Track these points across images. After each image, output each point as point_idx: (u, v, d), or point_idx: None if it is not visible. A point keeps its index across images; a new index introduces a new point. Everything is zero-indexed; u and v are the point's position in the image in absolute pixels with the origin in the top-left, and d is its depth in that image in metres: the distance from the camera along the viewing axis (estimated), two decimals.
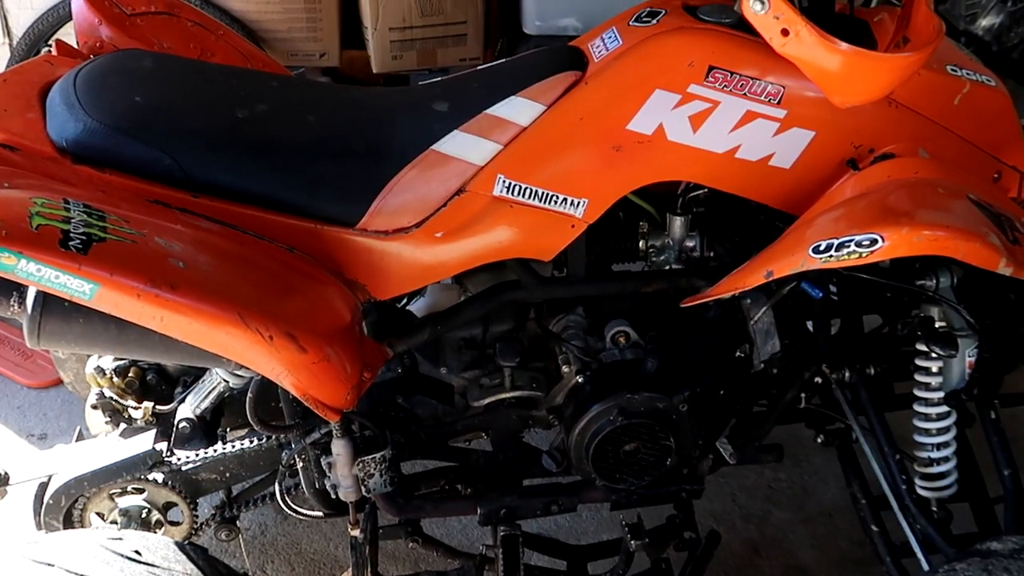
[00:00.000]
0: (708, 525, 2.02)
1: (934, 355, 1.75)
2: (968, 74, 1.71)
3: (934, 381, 1.79)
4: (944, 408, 1.79)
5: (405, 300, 1.83)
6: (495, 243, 1.63)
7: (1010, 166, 1.76)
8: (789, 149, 1.62)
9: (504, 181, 1.59)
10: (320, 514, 1.87)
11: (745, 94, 1.57)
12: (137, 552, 1.45)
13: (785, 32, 1.45)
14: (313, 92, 1.78)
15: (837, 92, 1.52)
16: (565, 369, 1.79)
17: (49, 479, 1.84)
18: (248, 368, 1.50)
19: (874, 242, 1.41)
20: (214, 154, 1.53)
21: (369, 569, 1.70)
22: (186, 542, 1.57)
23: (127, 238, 1.30)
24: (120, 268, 1.25)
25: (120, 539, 1.47)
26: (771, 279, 1.54)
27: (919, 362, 1.80)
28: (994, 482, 1.82)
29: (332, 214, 1.56)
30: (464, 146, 1.60)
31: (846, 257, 1.43)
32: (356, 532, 1.70)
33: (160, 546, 1.49)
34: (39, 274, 1.21)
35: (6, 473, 1.83)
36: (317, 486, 1.78)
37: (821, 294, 1.70)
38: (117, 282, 1.24)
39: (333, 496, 1.75)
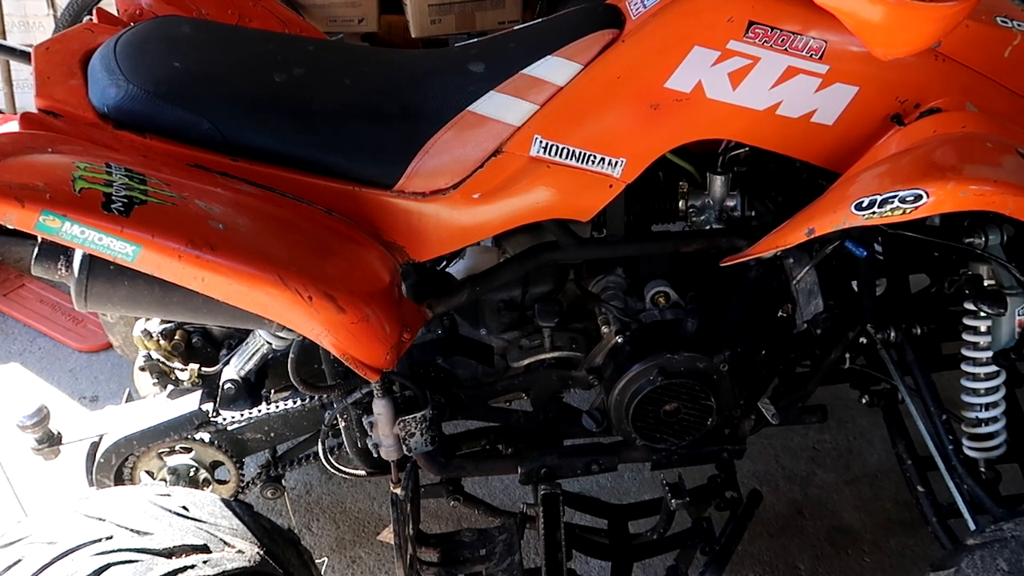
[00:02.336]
0: (751, 486, 2.01)
1: (982, 314, 1.73)
2: (1019, 25, 1.66)
3: (982, 340, 1.76)
4: (993, 368, 1.77)
5: (445, 262, 1.84)
6: (532, 204, 1.62)
7: None
8: (832, 105, 1.59)
9: (541, 141, 1.58)
10: (363, 473, 1.90)
11: (786, 50, 1.54)
12: (184, 508, 1.48)
13: None
14: (349, 55, 1.78)
15: (879, 44, 1.48)
16: (605, 330, 1.79)
17: (100, 439, 1.89)
18: (289, 329, 1.53)
19: (919, 198, 1.39)
20: (252, 118, 1.55)
21: (410, 526, 1.73)
22: (232, 499, 1.61)
23: (168, 201, 1.32)
24: (161, 230, 1.27)
25: (168, 495, 1.51)
26: (813, 237, 1.52)
27: (967, 321, 1.77)
28: None
29: (369, 176, 1.57)
30: (500, 107, 1.59)
31: (889, 213, 1.41)
32: (398, 490, 1.72)
33: (207, 502, 1.53)
34: (83, 236, 1.24)
35: (59, 433, 1.88)
36: (359, 445, 1.80)
37: (865, 253, 1.67)
38: (159, 244, 1.26)
39: (375, 455, 1.77)
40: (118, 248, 1.25)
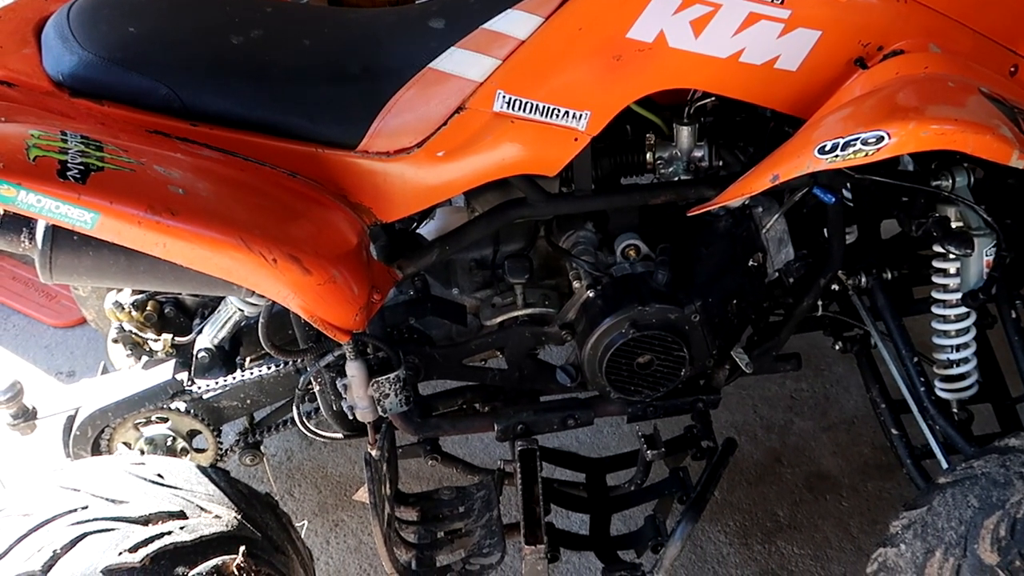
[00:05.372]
0: (730, 436, 2.02)
1: (951, 255, 1.74)
2: None
3: (952, 282, 1.77)
4: (962, 309, 1.78)
5: (415, 223, 1.84)
6: (498, 160, 1.61)
7: None
8: (795, 50, 1.58)
9: (504, 96, 1.57)
10: (340, 436, 1.90)
11: None
12: (160, 475, 1.49)
13: None
14: (308, 16, 1.75)
15: None
16: (576, 285, 1.79)
17: (76, 412, 1.88)
18: (259, 295, 1.53)
19: (880, 139, 1.39)
20: (211, 82, 1.53)
21: (388, 486, 1.73)
22: (208, 466, 1.61)
23: (125, 167, 1.30)
24: (119, 196, 1.26)
25: (143, 464, 1.51)
26: (778, 183, 1.52)
27: (936, 263, 1.78)
28: (1017, 383, 1.81)
29: (332, 137, 1.56)
30: (462, 63, 1.57)
31: (852, 156, 1.41)
32: (374, 451, 1.73)
33: (182, 469, 1.53)
34: (39, 205, 1.23)
35: (34, 408, 1.88)
36: (334, 408, 1.81)
37: (834, 199, 1.67)
38: (117, 210, 1.26)
39: (351, 418, 1.77)
40: (76, 216, 1.24)
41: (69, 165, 1.25)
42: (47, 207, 1.23)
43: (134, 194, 1.27)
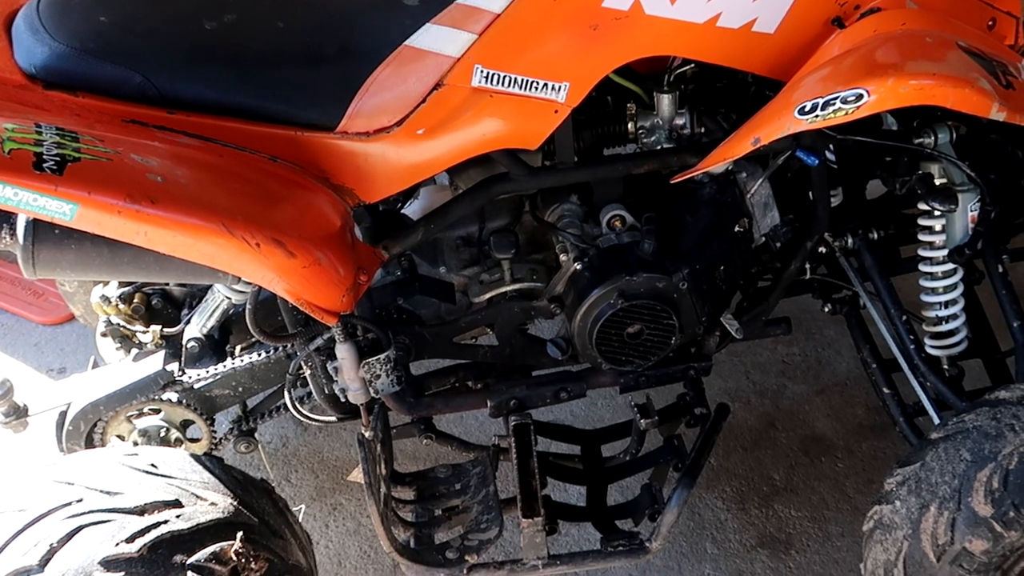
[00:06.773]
0: (723, 402, 2.03)
1: (935, 212, 1.74)
2: None
3: (937, 239, 1.78)
4: (949, 266, 1.78)
5: (400, 203, 1.83)
6: (479, 136, 1.60)
7: (1005, 12, 1.71)
8: (771, 13, 1.57)
9: (482, 71, 1.56)
10: (333, 419, 1.90)
11: None
12: (153, 465, 1.49)
13: None
14: None
15: None
16: (563, 258, 1.79)
17: (67, 407, 1.88)
18: (246, 282, 1.52)
19: (860, 97, 1.39)
20: (185, 68, 1.52)
21: (383, 466, 1.74)
22: (203, 454, 1.61)
23: (102, 157, 1.30)
24: (97, 186, 1.25)
25: (135, 455, 1.51)
26: (759, 146, 1.52)
27: (921, 221, 1.78)
28: (1006, 336, 1.81)
29: (311, 119, 1.55)
30: (438, 39, 1.56)
31: (832, 115, 1.41)
32: (368, 433, 1.73)
33: (175, 459, 1.53)
34: (17, 198, 1.22)
35: (25, 405, 1.87)
36: (326, 391, 1.80)
37: (817, 161, 1.67)
38: (96, 200, 1.25)
39: (343, 400, 1.77)
40: (55, 208, 1.24)
41: (45, 157, 1.24)
42: (25, 200, 1.22)
43: (112, 183, 1.27)
